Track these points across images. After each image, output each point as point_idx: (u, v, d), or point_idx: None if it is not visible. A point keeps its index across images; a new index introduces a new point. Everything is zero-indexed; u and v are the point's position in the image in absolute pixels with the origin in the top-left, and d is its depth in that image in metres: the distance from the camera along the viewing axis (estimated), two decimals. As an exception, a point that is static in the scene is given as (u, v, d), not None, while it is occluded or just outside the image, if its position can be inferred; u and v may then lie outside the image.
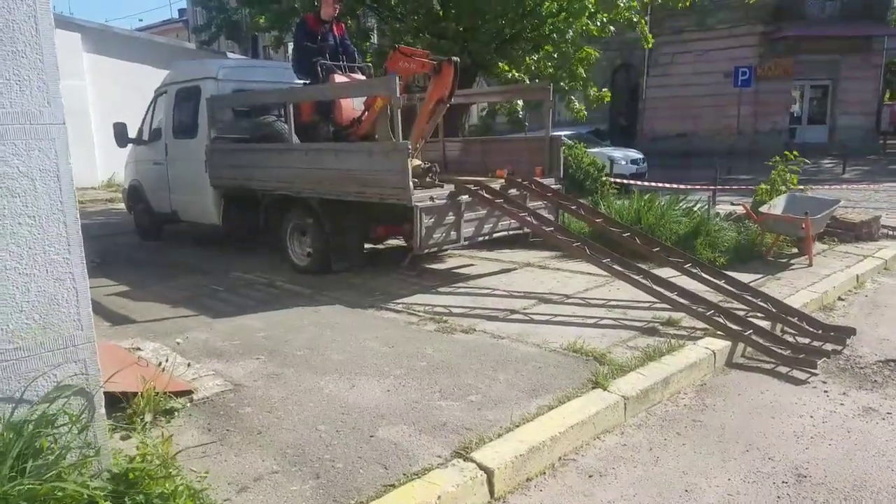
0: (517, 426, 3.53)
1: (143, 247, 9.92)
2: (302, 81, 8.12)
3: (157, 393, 3.68)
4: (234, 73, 8.94)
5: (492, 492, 3.11)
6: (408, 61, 7.05)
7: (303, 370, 4.46)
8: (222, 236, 9.40)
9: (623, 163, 16.12)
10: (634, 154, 17.23)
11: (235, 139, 8.45)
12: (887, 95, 31.58)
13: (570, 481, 3.29)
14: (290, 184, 7.43)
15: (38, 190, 2.30)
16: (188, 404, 3.91)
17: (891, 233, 9.15)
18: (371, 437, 3.47)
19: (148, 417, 3.55)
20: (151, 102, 9.94)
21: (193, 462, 3.14)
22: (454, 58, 6.90)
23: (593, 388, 4.00)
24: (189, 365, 4.15)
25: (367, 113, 7.52)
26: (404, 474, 3.10)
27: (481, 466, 3.14)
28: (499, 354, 4.64)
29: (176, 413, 3.78)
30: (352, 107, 7.79)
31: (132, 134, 10.02)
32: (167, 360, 4.05)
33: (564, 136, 12.57)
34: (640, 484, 3.25)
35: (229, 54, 20.74)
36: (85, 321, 2.48)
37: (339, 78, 7.76)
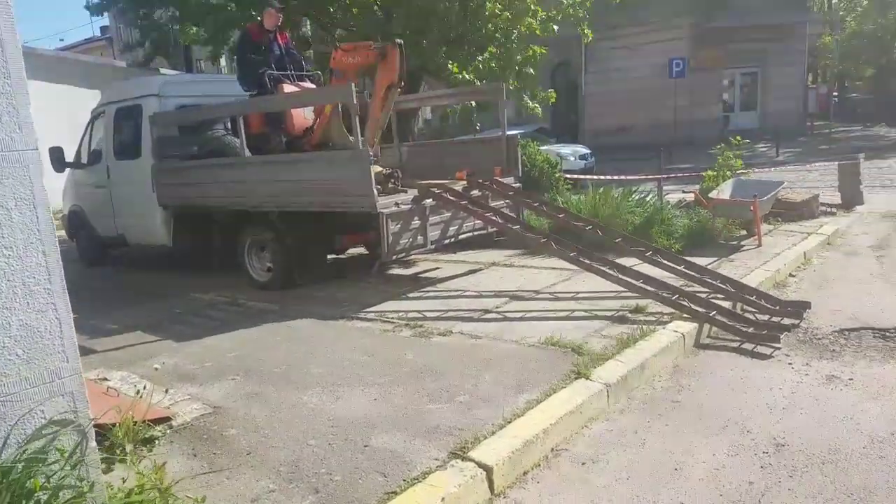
0: (509, 422, 3.57)
1: (91, 274, 9.59)
2: (248, 94, 8.00)
3: (136, 422, 3.57)
4: (176, 88, 8.74)
5: (492, 488, 3.14)
6: (351, 56, 7.03)
7: (283, 387, 4.40)
8: (173, 257, 9.18)
9: (572, 159, 16.33)
10: (582, 150, 17.52)
11: (183, 156, 8.26)
12: (810, 79, 32.99)
13: (566, 470, 3.34)
14: (246, 198, 7.30)
15: (13, 219, 2.21)
16: (168, 431, 3.81)
17: (829, 210, 9.57)
18: (365, 446, 3.45)
19: (129, 448, 3.44)
20: (88, 124, 9.61)
21: (185, 489, 3.06)
22: (398, 41, 6.85)
23: (576, 378, 4.08)
24: (167, 391, 4.04)
25: (317, 120, 7.47)
26: (405, 480, 3.10)
27: (480, 464, 3.16)
28: (480, 354, 4.67)
29: (157, 441, 3.67)
30: (303, 116, 7.68)
31: (69, 158, 9.67)
32: (144, 388, 3.93)
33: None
34: (631, 467, 3.32)
35: (162, 70, 20.24)
36: (70, 353, 2.40)
37: (289, 88, 7.64)
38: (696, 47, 25.80)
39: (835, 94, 33.34)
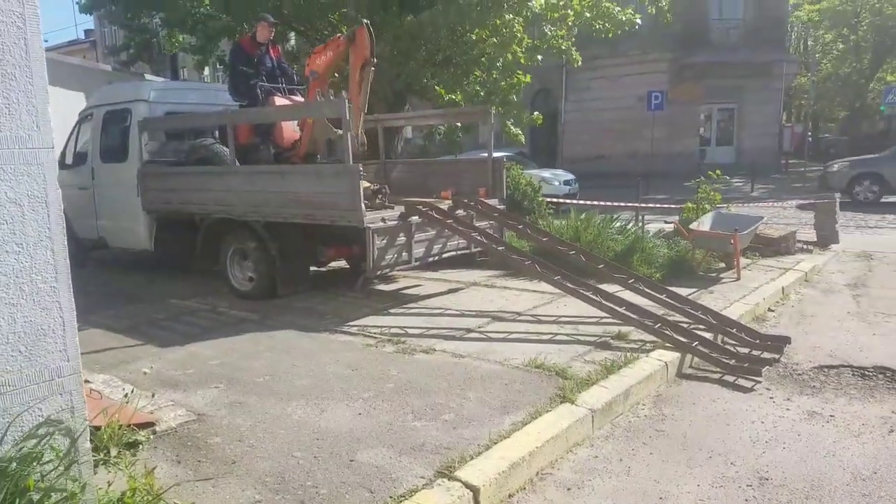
0: (495, 443, 3.58)
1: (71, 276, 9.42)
2: (238, 104, 8.01)
3: (121, 426, 3.53)
4: (166, 95, 8.73)
5: (478, 509, 3.15)
6: (322, 54, 7.16)
7: (266, 397, 4.37)
8: (153, 262, 9.08)
9: (556, 183, 16.57)
10: (566, 175, 17.73)
11: (170, 162, 8.22)
12: (785, 117, 33.80)
13: (550, 495, 3.36)
14: (231, 207, 7.28)
15: (25, 217, 2.20)
16: (151, 436, 3.76)
17: (805, 247, 9.80)
18: (351, 461, 3.44)
19: (114, 451, 3.40)
20: (75, 126, 9.53)
21: (171, 496, 3.03)
22: (364, 20, 6.91)
23: (562, 402, 4.11)
24: (153, 396, 3.99)
25: (303, 132, 7.53)
26: (391, 497, 3.09)
27: (466, 485, 3.17)
28: (463, 373, 4.68)
29: (140, 446, 3.63)
30: (292, 128, 7.74)
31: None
32: (132, 392, 3.88)
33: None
34: (617, 494, 3.35)
35: (147, 76, 20.07)
36: (72, 352, 2.38)
37: (280, 100, 7.70)
38: (674, 81, 26.34)
39: (809, 133, 34.18)
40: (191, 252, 8.08)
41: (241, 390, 4.50)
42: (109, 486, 2.84)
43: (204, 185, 7.53)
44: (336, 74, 8.66)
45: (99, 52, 41.69)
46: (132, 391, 3.96)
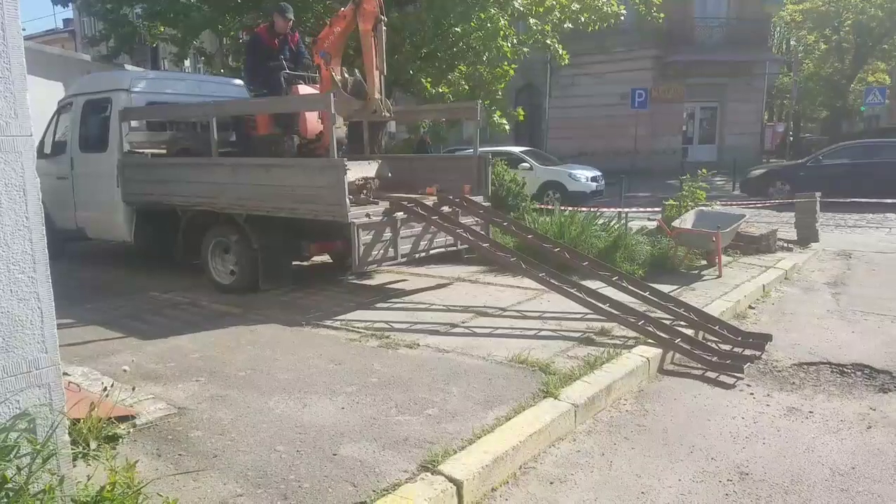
0: (479, 437, 3.58)
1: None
2: (254, 94, 7.84)
3: (100, 419, 3.48)
4: (147, 84, 8.61)
5: (461, 503, 3.14)
6: (329, 32, 7.01)
7: (248, 391, 4.33)
8: (133, 254, 8.98)
9: (582, 180, 16.05)
10: (592, 171, 16.98)
11: (152, 154, 8.13)
12: (766, 117, 34.13)
13: (533, 489, 3.36)
14: (214, 199, 7.21)
15: (2, 206, 2.15)
16: (131, 430, 3.72)
17: (786, 245, 9.90)
18: (334, 455, 3.43)
19: (93, 444, 3.35)
20: (54, 114, 9.39)
21: (151, 489, 2.99)
22: None
23: (545, 397, 4.12)
24: (133, 389, 3.95)
25: (324, 122, 7.18)
26: (374, 491, 3.08)
27: (450, 479, 3.16)
28: (447, 368, 4.68)
29: (120, 439, 3.59)
30: (316, 119, 7.44)
31: None
32: (112, 385, 3.83)
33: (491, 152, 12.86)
34: (598, 488, 3.37)
35: (127, 67, 19.81)
36: (50, 343, 2.34)
37: (304, 88, 7.50)
38: (658, 79, 26.49)
39: (790, 133, 34.50)
40: (172, 244, 8.00)
41: (223, 384, 4.46)
42: (89, 479, 2.80)
43: (186, 176, 7.46)
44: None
45: (78, 42, 41.09)
46: (112, 384, 3.90)
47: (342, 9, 7.16)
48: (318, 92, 7.35)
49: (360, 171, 7.21)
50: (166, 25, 13.66)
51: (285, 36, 7.79)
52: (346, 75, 7.30)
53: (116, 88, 8.37)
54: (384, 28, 6.89)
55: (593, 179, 16.50)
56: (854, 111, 34.33)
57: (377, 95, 6.95)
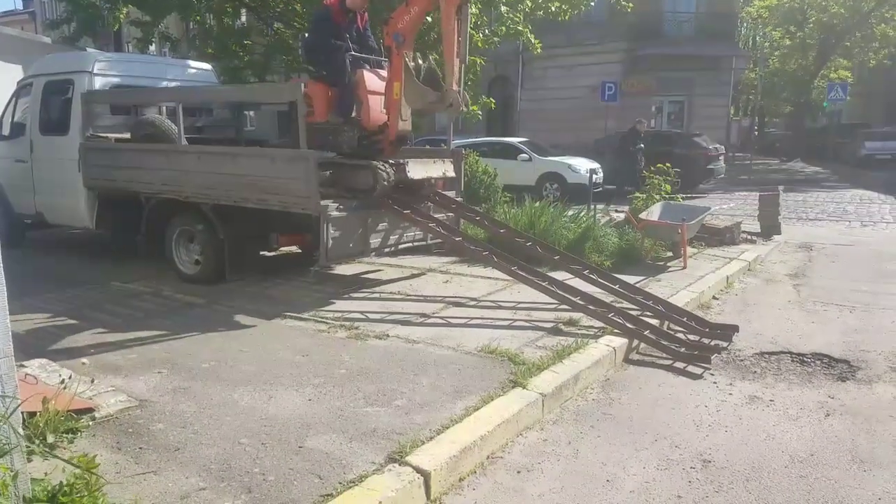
0: (447, 428, 3.58)
1: (3, 256, 9.03)
2: (314, 73, 7.11)
3: (58, 412, 3.40)
4: (111, 67, 8.36)
5: (428, 494, 3.14)
6: (405, 12, 6.23)
7: (212, 383, 4.27)
8: (95, 242, 8.78)
9: (582, 171, 15.72)
10: (591, 164, 16.34)
11: (115, 138, 7.93)
12: (732, 111, 34.64)
13: (501, 478, 3.37)
14: (179, 188, 7.06)
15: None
16: (91, 423, 3.63)
17: (749, 238, 10.06)
18: (300, 447, 3.39)
19: (50, 438, 3.27)
20: (13, 96, 9.10)
21: (109, 486, 2.93)
22: None
23: (513, 387, 4.13)
24: (93, 381, 3.85)
25: (389, 112, 6.53)
26: (340, 483, 3.06)
27: (418, 469, 3.16)
28: (417, 358, 4.66)
29: (79, 433, 3.50)
30: (380, 109, 6.63)
31: None
32: (70, 377, 3.74)
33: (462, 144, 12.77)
34: (565, 477, 3.39)
35: (89, 50, 19.32)
36: (2, 333, 2.26)
37: (369, 76, 6.69)
38: (628, 72, 26.65)
39: (755, 128, 35.10)
40: (135, 232, 7.83)
41: (186, 376, 4.38)
42: (46, 475, 2.73)
43: (150, 163, 7.28)
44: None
45: (38, 24, 39.99)
46: (70, 376, 3.81)
47: None
48: (384, 79, 6.65)
49: (424, 170, 6.81)
50: (134, 6, 13.30)
51: (355, 14, 6.94)
52: (420, 61, 6.56)
53: (79, 70, 8.14)
54: (470, 10, 6.22)
55: (592, 171, 15.83)
56: (817, 107, 35.01)
57: (455, 87, 6.14)
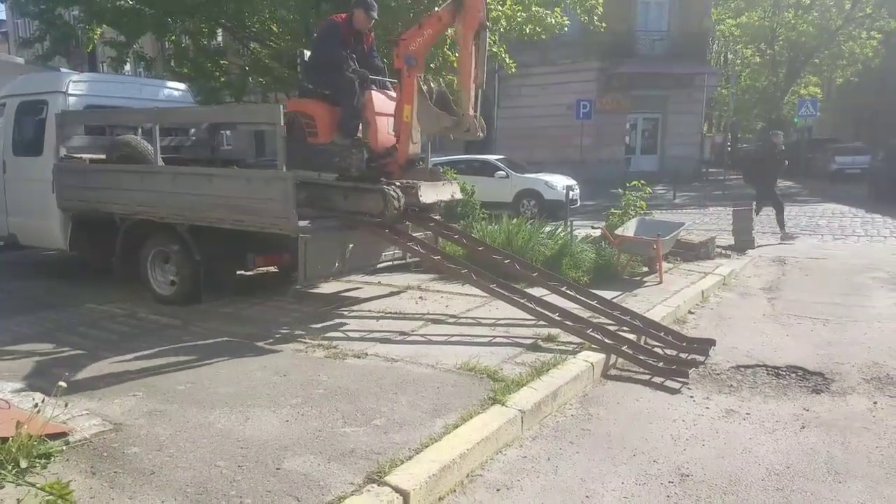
0: (426, 446, 3.56)
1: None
2: (312, 88, 6.88)
3: (31, 437, 3.34)
4: (86, 87, 8.32)
5: (408, 514, 3.12)
6: (417, 34, 6.11)
7: (188, 405, 4.22)
8: (69, 264, 8.66)
9: (559, 188, 15.76)
10: (567, 180, 16.36)
11: (90, 159, 7.86)
12: (706, 128, 35.22)
13: (480, 496, 3.37)
14: (154, 209, 7.00)
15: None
16: (65, 448, 3.57)
17: (724, 252, 10.20)
18: (277, 469, 3.36)
19: (24, 464, 3.20)
20: (-16, 117, 9.00)
21: (84, 510, 2.89)
22: None
23: (492, 404, 4.13)
24: (66, 405, 3.79)
25: (400, 137, 6.40)
26: (319, 504, 3.03)
27: (397, 489, 3.14)
28: (395, 377, 4.65)
29: (52, 457, 3.44)
30: (387, 131, 6.50)
31: None
32: (43, 401, 3.67)
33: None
34: (544, 494, 3.39)
35: (63, 70, 19.19)
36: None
37: (377, 95, 6.58)
38: (602, 90, 27.03)
39: (728, 143, 35.67)
40: (109, 254, 7.74)
41: (161, 399, 4.33)
42: (19, 502, 2.68)
43: (126, 184, 7.21)
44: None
45: (11, 43, 39.63)
46: (43, 400, 3.74)
47: (437, 9, 6.31)
48: (393, 100, 6.56)
49: (434, 193, 6.67)
50: (108, 25, 13.27)
51: (360, 34, 6.81)
52: (431, 84, 6.48)
53: (53, 90, 8.08)
54: (488, 34, 6.16)
55: (569, 188, 16.36)
56: (788, 122, 35.71)
57: (472, 112, 6.03)
